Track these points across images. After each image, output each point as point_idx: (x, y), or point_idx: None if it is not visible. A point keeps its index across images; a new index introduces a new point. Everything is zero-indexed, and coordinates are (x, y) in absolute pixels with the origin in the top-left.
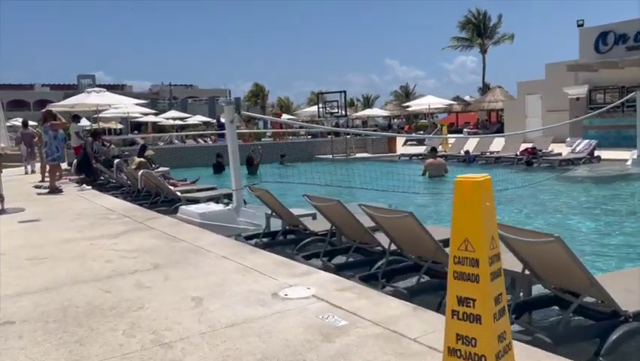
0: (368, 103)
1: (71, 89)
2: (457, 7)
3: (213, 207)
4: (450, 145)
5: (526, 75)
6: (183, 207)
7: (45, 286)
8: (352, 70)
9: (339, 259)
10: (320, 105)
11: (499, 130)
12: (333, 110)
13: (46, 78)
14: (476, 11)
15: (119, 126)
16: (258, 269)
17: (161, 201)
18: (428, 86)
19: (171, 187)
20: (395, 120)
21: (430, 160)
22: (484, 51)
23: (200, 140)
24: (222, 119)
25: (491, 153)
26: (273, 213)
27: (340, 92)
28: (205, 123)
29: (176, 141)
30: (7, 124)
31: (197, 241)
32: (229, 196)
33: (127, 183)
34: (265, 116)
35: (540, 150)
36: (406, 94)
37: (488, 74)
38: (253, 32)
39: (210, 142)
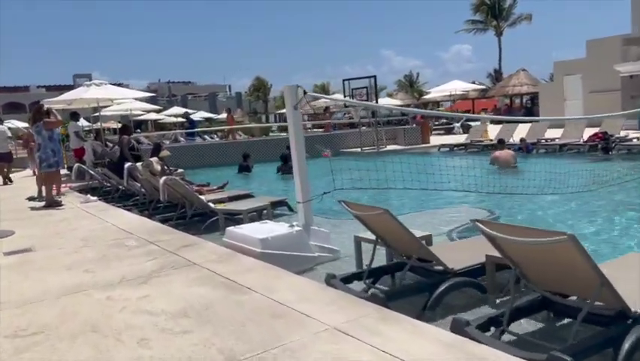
0: (367, 94)
1: (68, 90)
2: None
3: (275, 228)
4: (487, 133)
5: (543, 58)
6: (232, 229)
7: None
8: (348, 62)
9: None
10: (347, 93)
11: (528, 114)
12: (362, 98)
13: (42, 79)
14: None
15: (119, 125)
16: None
17: (191, 216)
18: (426, 75)
19: (201, 197)
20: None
21: (498, 153)
22: (499, 33)
23: (206, 137)
24: (193, 117)
25: (548, 140)
26: (379, 240)
27: (369, 77)
28: (207, 120)
29: (182, 139)
30: (8, 125)
31: (274, 289)
32: (278, 206)
33: (141, 191)
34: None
35: (612, 136)
36: (410, 83)
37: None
38: (248, 26)
39: (217, 139)
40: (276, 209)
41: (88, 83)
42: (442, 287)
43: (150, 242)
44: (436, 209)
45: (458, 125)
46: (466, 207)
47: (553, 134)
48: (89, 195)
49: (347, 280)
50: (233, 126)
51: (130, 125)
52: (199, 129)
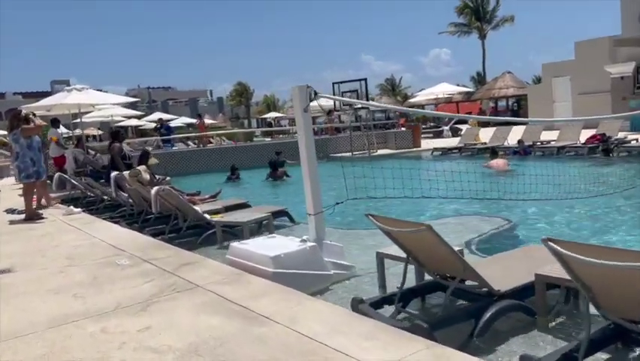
0: (357, 97)
1: (46, 97)
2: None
3: (286, 244)
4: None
5: (522, 61)
6: (236, 245)
7: None
8: (328, 67)
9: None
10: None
11: (514, 117)
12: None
13: (18, 86)
14: None
15: (99, 132)
16: None
17: (185, 228)
18: (406, 79)
19: (195, 207)
20: (391, 113)
21: (493, 162)
22: (483, 36)
23: (190, 143)
24: (173, 123)
25: (544, 142)
26: (410, 258)
27: (360, 80)
28: (190, 125)
29: (181, 144)
30: None
31: (298, 319)
32: (278, 217)
33: (128, 202)
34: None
35: (610, 137)
36: (392, 87)
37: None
38: (227, 31)
39: (201, 145)
40: (275, 220)
41: (68, 87)
42: (490, 312)
43: (145, 260)
44: (445, 218)
45: (447, 128)
46: (477, 215)
47: (547, 136)
48: (72, 207)
49: (377, 304)
50: (204, 133)
51: (122, 131)
52: (180, 135)
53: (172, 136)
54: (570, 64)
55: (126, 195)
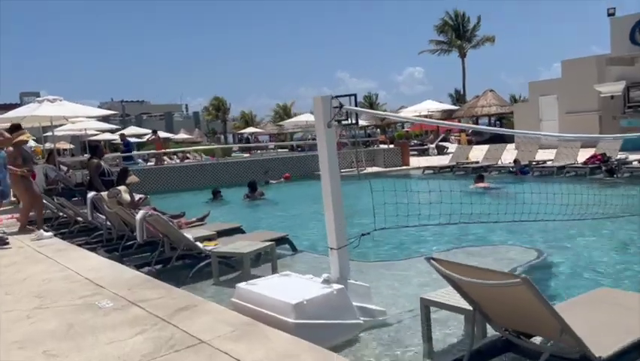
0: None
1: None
2: (408, 19)
3: (306, 286)
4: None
5: (500, 80)
6: (244, 286)
7: None
8: (303, 82)
9: None
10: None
11: (496, 137)
12: (341, 118)
13: None
14: (454, 13)
15: (70, 146)
16: None
17: (176, 258)
18: (381, 97)
19: (187, 235)
20: (369, 131)
21: (479, 185)
22: (462, 55)
23: (165, 158)
24: (129, 138)
25: (539, 162)
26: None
27: (349, 95)
28: (164, 140)
29: (141, 161)
30: None
31: None
32: (279, 244)
33: (105, 224)
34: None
35: (610, 158)
36: (370, 104)
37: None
38: (202, 45)
39: (178, 160)
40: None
41: (40, 99)
42: None
43: (131, 302)
44: (466, 248)
45: (433, 146)
46: (503, 245)
47: (543, 156)
48: (42, 231)
49: None
50: (161, 150)
51: (100, 145)
52: (139, 152)
53: (134, 152)
54: (557, 82)
55: (104, 217)
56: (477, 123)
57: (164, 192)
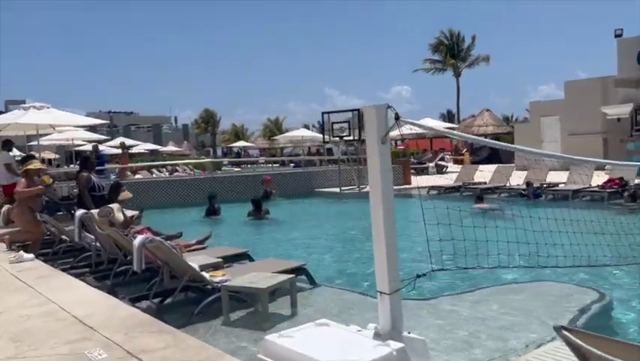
0: (349, 128)
1: None
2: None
3: (354, 341)
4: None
5: (496, 100)
6: (273, 340)
7: None
8: (292, 98)
9: None
10: (327, 127)
11: (493, 155)
12: (343, 134)
13: None
14: (449, 32)
15: (55, 156)
16: None
17: (180, 290)
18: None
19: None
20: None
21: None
22: (457, 74)
23: (155, 171)
24: (102, 148)
25: (550, 185)
26: None
27: (353, 110)
28: (152, 152)
29: (128, 173)
30: None
31: None
32: (299, 274)
33: (94, 245)
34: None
35: (627, 182)
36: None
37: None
38: (191, 58)
39: (167, 173)
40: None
41: (26, 105)
42: None
43: (130, 353)
44: (505, 285)
45: (432, 165)
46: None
47: (553, 178)
48: (22, 252)
49: None
50: (126, 165)
51: (91, 157)
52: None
53: (107, 166)
54: (559, 104)
55: (92, 237)
56: (472, 143)
57: (152, 207)
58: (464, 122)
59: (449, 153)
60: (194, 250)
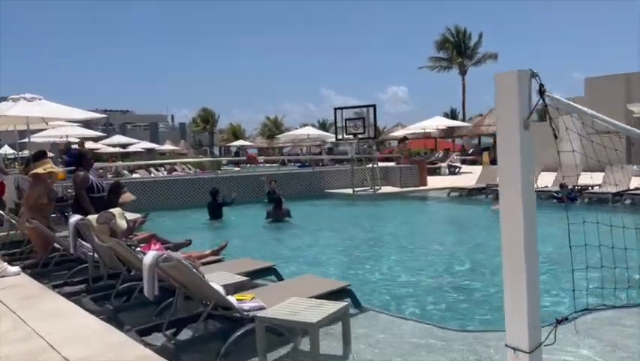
0: (324, 129)
1: None
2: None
3: None
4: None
5: (483, 100)
6: None
7: None
8: (288, 98)
9: None
10: (340, 124)
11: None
12: (358, 131)
13: None
14: (455, 29)
15: (49, 155)
16: None
17: (204, 318)
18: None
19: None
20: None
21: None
22: (463, 72)
23: (152, 170)
24: (75, 146)
25: (582, 187)
26: None
27: (368, 106)
28: (148, 151)
29: (126, 172)
30: None
31: None
32: (342, 296)
33: (90, 256)
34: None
35: None
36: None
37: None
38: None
39: (166, 172)
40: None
41: (15, 96)
42: None
43: None
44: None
45: (445, 165)
46: None
47: (586, 180)
48: (6, 264)
49: None
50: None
51: (89, 155)
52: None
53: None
54: (579, 101)
55: (89, 246)
56: (479, 143)
57: (150, 209)
58: (473, 122)
59: (458, 153)
60: (209, 262)
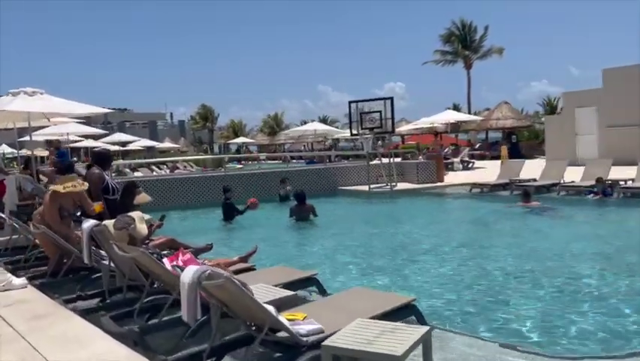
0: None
1: None
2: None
3: None
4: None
5: (481, 96)
6: None
7: None
8: (285, 95)
9: None
10: (354, 118)
11: (512, 150)
12: (374, 125)
13: None
14: (460, 23)
15: (45, 153)
16: None
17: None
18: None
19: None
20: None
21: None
22: (468, 66)
23: (154, 168)
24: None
25: (614, 181)
26: None
27: (385, 98)
28: (149, 149)
29: (127, 170)
30: None
31: None
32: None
33: (106, 266)
34: None
35: None
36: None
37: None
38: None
39: (168, 170)
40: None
41: (14, 90)
42: None
43: None
44: None
45: (458, 160)
46: None
47: (616, 174)
48: (10, 276)
49: None
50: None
51: (109, 153)
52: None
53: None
54: (596, 93)
55: (103, 253)
56: (486, 137)
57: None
58: (480, 115)
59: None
60: (238, 270)
